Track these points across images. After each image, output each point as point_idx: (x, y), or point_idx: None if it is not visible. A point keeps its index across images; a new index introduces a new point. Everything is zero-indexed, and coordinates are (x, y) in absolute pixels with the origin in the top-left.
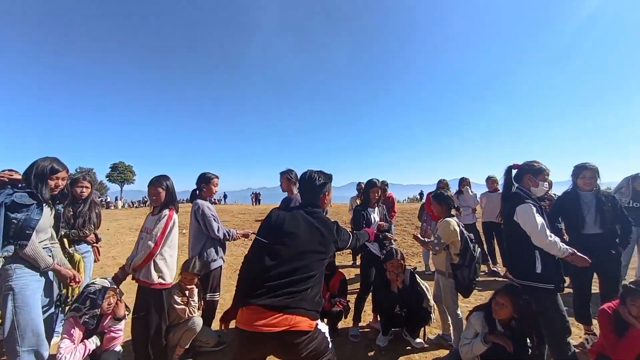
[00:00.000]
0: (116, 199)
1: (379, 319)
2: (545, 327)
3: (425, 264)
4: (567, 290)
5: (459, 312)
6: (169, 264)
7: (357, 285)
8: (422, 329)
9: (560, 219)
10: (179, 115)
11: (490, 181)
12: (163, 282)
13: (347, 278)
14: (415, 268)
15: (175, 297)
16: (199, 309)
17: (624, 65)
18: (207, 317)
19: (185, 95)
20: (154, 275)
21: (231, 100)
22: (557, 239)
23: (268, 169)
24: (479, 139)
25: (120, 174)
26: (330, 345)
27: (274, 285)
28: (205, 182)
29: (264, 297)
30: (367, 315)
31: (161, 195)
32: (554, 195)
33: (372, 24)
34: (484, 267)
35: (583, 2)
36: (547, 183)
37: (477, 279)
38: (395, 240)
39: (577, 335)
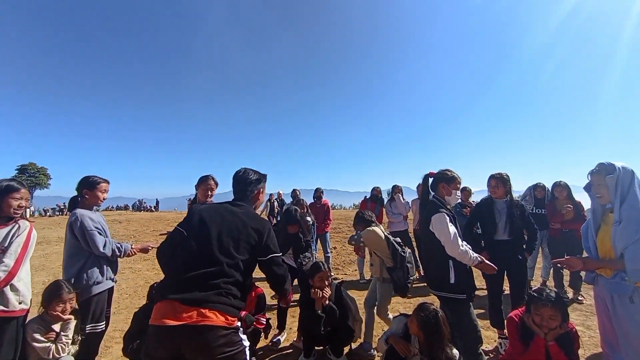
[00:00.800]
0: None
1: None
2: (459, 337)
3: (360, 272)
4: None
5: (390, 316)
6: (28, 285)
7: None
8: (348, 346)
9: (478, 224)
10: (109, 112)
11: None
12: (25, 307)
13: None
14: (342, 282)
15: (35, 333)
16: (74, 343)
17: (560, 75)
18: (87, 353)
19: (114, 91)
20: (13, 300)
21: (170, 98)
22: (468, 248)
23: (214, 173)
24: (409, 145)
25: (31, 177)
26: None
27: (188, 278)
28: (88, 187)
29: (179, 292)
30: (292, 333)
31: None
32: (473, 203)
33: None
34: (417, 274)
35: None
36: (459, 192)
37: (410, 278)
38: (334, 248)
39: (492, 339)
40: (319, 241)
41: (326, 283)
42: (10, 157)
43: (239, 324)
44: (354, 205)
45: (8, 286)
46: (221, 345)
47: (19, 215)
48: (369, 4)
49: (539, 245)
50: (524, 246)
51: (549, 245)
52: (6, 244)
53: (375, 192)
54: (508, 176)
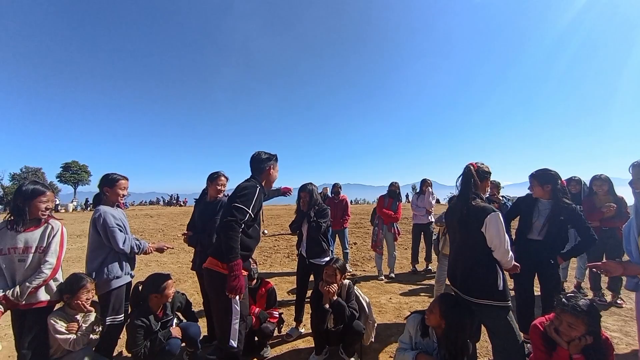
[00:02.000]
0: (72, 200)
1: None
2: (505, 346)
3: (378, 269)
4: None
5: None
6: (61, 277)
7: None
8: (360, 346)
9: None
10: (142, 112)
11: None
12: (52, 299)
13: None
14: (356, 280)
15: (57, 324)
16: (95, 333)
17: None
18: (106, 346)
19: (144, 87)
20: (42, 295)
21: (200, 91)
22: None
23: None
24: (432, 138)
25: (74, 174)
26: (234, 309)
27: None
28: (108, 184)
29: None
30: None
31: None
32: (502, 198)
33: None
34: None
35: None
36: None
37: None
38: (355, 244)
39: None
40: (337, 237)
41: (337, 278)
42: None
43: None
44: (376, 199)
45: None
46: (213, 281)
47: (46, 216)
48: None
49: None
50: (560, 250)
51: None
52: (44, 244)
53: (393, 187)
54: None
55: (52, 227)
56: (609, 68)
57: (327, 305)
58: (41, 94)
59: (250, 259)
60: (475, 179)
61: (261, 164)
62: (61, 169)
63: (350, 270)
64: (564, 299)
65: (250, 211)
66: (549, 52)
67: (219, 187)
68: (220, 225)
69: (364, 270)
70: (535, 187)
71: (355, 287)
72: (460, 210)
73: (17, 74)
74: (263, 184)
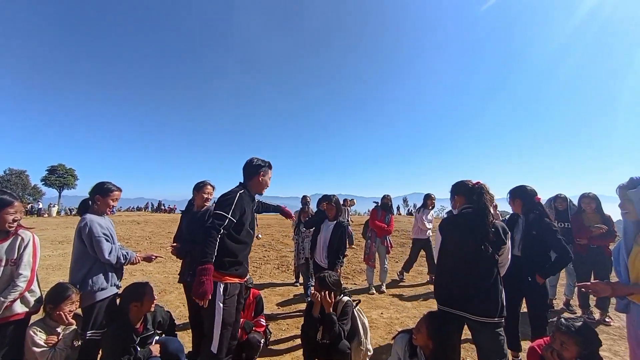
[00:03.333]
0: (49, 205)
1: None
2: None
3: (369, 282)
4: None
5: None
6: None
7: (299, 307)
8: None
9: None
10: (129, 113)
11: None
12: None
13: (286, 299)
14: (359, 301)
15: (36, 335)
16: (74, 349)
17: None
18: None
19: (136, 91)
20: (31, 300)
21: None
22: None
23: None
24: (421, 150)
25: (60, 177)
26: (217, 316)
27: None
28: (101, 193)
29: None
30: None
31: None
32: (499, 214)
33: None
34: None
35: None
36: None
37: None
38: (345, 256)
39: None
40: None
41: (328, 292)
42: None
43: (221, 285)
44: (368, 211)
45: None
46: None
47: (13, 228)
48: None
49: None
50: (540, 267)
51: (574, 263)
52: (15, 257)
53: (386, 200)
54: (533, 190)
55: (22, 238)
56: (604, 83)
57: (316, 314)
58: (27, 95)
59: (242, 266)
60: (489, 196)
61: (252, 170)
62: (47, 172)
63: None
64: (562, 319)
65: (230, 216)
66: (545, 65)
67: (205, 196)
68: (202, 232)
69: (354, 284)
70: (510, 202)
71: (356, 308)
72: (482, 228)
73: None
74: (252, 189)
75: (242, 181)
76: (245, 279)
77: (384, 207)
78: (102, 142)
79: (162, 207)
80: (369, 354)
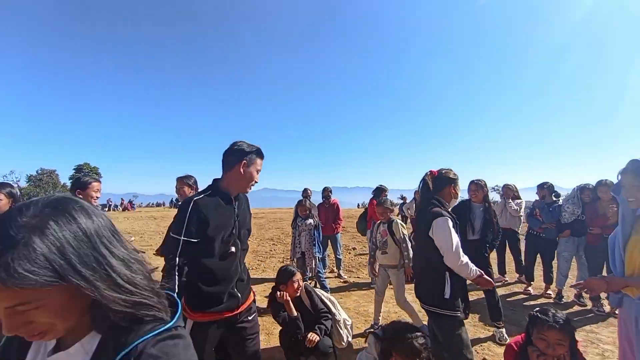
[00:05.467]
0: None
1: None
2: (448, 358)
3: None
4: None
5: (408, 299)
6: None
7: None
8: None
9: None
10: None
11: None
12: None
13: None
14: (312, 282)
15: None
16: None
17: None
18: None
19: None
20: None
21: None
22: (469, 260)
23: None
24: (412, 143)
25: (85, 176)
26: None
27: None
28: (81, 187)
29: None
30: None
31: None
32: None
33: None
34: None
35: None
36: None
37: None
38: (354, 249)
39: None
40: (329, 243)
41: (294, 286)
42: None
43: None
44: (359, 204)
45: None
46: None
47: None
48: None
49: (574, 253)
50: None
51: (586, 253)
52: None
53: (382, 189)
54: (485, 183)
55: None
56: (612, 70)
57: (293, 314)
58: (51, 96)
59: (227, 295)
60: (432, 185)
61: (232, 158)
62: (74, 171)
63: (344, 276)
64: (539, 314)
65: (183, 237)
66: (555, 53)
67: (94, 194)
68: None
69: (357, 277)
70: (478, 192)
71: (314, 289)
72: (419, 216)
73: (33, 77)
74: (231, 186)
75: (217, 177)
76: (239, 311)
77: (378, 196)
78: (125, 141)
79: (178, 202)
80: (347, 323)
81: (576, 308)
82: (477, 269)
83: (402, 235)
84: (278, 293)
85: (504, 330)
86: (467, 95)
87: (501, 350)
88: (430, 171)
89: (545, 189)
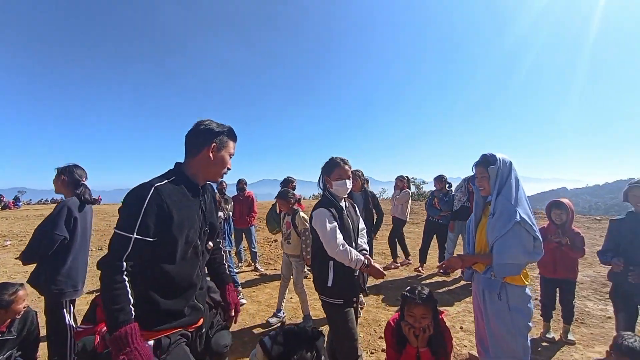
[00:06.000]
0: None
1: None
2: (336, 345)
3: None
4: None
5: (304, 286)
6: None
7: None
8: None
9: None
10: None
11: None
12: None
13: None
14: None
15: None
16: None
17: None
18: None
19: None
20: None
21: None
22: (350, 249)
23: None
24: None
25: None
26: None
27: None
28: None
29: None
30: None
31: None
32: (452, 192)
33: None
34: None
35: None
36: (348, 182)
37: None
38: (275, 241)
39: None
40: (243, 236)
41: None
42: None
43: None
44: (312, 195)
45: None
46: None
47: None
48: None
49: (456, 233)
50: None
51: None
52: None
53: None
54: (362, 173)
55: None
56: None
57: None
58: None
59: (190, 307)
60: (323, 175)
61: (198, 140)
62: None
63: (261, 269)
64: (408, 293)
65: (136, 234)
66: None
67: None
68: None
69: (275, 269)
70: (355, 182)
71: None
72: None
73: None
74: (200, 173)
75: (184, 159)
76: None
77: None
78: (12, 127)
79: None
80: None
81: (462, 283)
82: (362, 258)
83: (303, 228)
84: None
85: None
86: (388, 93)
87: None
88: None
89: (442, 181)
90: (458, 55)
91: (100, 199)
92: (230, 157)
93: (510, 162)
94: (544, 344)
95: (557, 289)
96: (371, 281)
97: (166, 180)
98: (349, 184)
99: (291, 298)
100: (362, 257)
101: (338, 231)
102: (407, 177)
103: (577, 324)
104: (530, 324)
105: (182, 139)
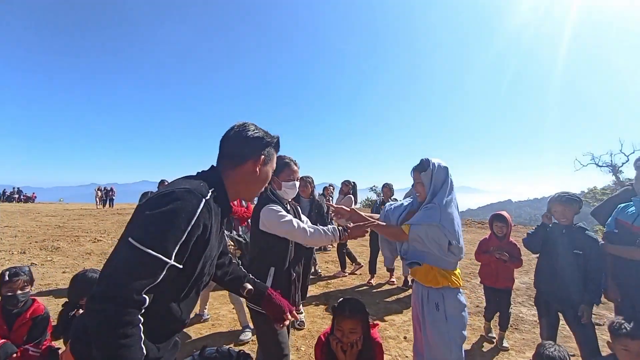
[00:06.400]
0: None
1: None
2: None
3: None
4: None
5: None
6: None
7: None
8: None
9: None
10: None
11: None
12: None
13: None
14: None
15: None
16: None
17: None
18: None
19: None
20: None
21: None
22: (317, 227)
23: (124, 162)
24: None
25: None
26: None
27: None
28: None
29: None
30: None
31: None
32: (396, 200)
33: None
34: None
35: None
36: (297, 183)
37: None
38: None
39: None
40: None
41: None
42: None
43: None
44: None
45: None
46: None
47: None
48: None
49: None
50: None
51: None
52: None
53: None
54: (312, 180)
55: None
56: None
57: None
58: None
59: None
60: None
61: (242, 148)
62: None
63: None
64: (337, 307)
65: (173, 260)
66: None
67: None
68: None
69: None
70: (306, 188)
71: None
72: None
73: None
74: (236, 189)
75: (217, 165)
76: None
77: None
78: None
79: (17, 196)
80: None
81: (410, 291)
82: (334, 227)
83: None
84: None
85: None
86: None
87: None
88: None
89: (390, 188)
90: (411, 63)
91: (35, 197)
92: (271, 173)
93: (446, 167)
94: (484, 344)
95: (497, 298)
96: (319, 290)
97: (211, 193)
98: (297, 186)
99: (233, 309)
100: (335, 228)
101: (294, 219)
102: (353, 182)
103: (511, 329)
104: (465, 333)
105: (130, 136)
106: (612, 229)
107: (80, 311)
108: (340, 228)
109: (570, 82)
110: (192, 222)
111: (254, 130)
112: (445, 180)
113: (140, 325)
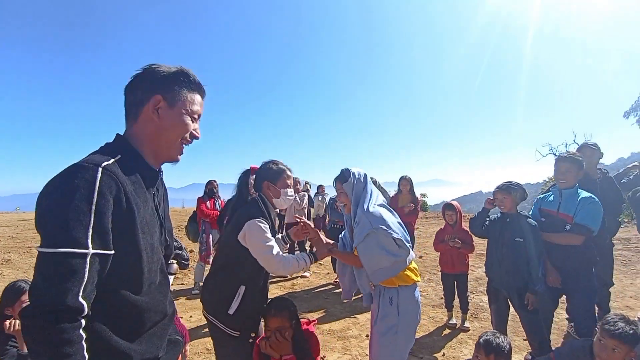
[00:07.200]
0: None
1: None
2: None
3: (197, 280)
4: None
5: None
6: None
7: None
8: None
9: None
10: None
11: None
12: None
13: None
14: None
15: None
16: None
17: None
18: None
19: None
20: None
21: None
22: (289, 257)
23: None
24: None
25: None
26: None
27: None
28: None
29: None
30: None
31: None
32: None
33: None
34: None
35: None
36: (291, 190)
37: None
38: None
39: None
40: None
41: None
42: None
43: None
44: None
45: None
46: None
47: None
48: None
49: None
50: None
51: None
52: None
53: (211, 186)
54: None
55: None
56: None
57: None
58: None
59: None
60: (245, 183)
61: (135, 94)
62: None
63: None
64: (266, 307)
65: (92, 247)
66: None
67: None
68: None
69: (182, 284)
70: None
71: None
72: (230, 217)
73: None
74: (143, 148)
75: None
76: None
77: (210, 193)
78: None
79: None
80: None
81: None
82: (305, 255)
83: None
84: (7, 322)
85: None
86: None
87: None
88: (250, 167)
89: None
90: (376, 56)
91: None
92: (196, 117)
93: (365, 175)
94: (445, 332)
95: (455, 282)
96: (284, 291)
97: (112, 159)
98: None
99: (190, 317)
100: (305, 254)
101: (276, 245)
102: (306, 181)
103: (471, 318)
104: (413, 336)
105: (93, 137)
106: (538, 219)
107: (6, 322)
108: (310, 255)
109: (533, 77)
110: (95, 198)
111: (151, 69)
112: (364, 187)
113: (81, 332)
